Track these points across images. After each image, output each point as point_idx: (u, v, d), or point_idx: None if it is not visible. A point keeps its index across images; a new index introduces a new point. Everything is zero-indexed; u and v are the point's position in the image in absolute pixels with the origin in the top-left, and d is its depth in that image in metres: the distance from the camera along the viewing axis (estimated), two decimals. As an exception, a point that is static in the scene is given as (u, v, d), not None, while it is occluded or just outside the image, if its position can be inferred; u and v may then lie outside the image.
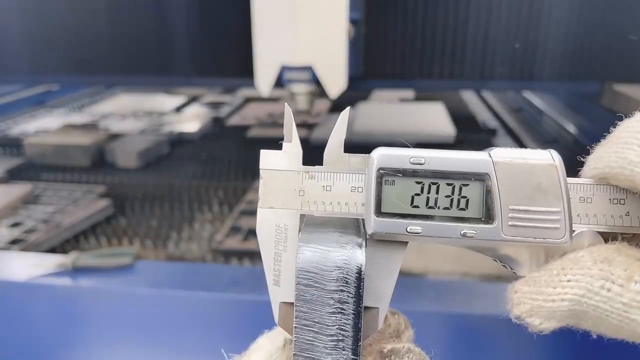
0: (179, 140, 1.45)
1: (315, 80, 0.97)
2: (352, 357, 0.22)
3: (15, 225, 0.90)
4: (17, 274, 0.69)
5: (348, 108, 0.26)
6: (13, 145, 1.40)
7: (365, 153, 0.25)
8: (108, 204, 0.98)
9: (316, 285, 0.22)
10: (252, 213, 0.96)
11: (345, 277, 0.22)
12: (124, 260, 0.70)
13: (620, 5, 1.08)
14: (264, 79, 0.99)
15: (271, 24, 0.95)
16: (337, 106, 1.77)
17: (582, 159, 0.25)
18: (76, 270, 0.69)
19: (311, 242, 0.22)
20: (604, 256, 0.22)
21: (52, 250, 0.85)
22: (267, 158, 0.25)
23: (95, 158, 1.28)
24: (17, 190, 1.01)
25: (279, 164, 0.25)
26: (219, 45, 1.18)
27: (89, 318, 0.68)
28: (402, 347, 0.24)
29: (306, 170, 0.25)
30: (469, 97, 2.01)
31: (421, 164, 0.23)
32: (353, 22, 1.01)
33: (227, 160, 1.29)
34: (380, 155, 0.24)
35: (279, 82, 0.99)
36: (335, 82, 0.97)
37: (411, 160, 0.23)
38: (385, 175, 0.23)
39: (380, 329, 0.27)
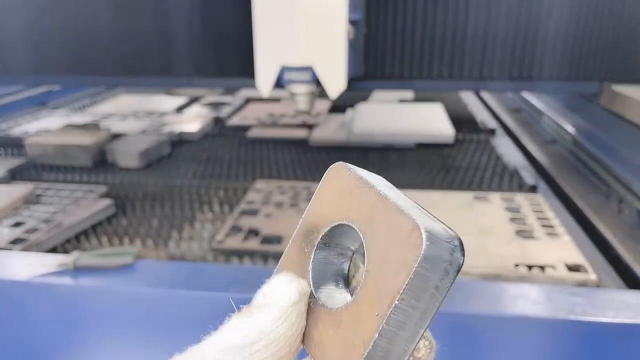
0: (180, 141, 1.46)
1: (315, 80, 0.97)
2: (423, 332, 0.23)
3: (17, 225, 0.90)
4: (18, 273, 0.69)
5: None
6: (14, 145, 1.40)
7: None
8: (109, 203, 0.99)
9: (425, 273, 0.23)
10: (252, 213, 0.96)
11: (447, 269, 0.22)
12: (125, 259, 0.70)
13: (620, 5, 1.08)
14: (264, 80, 0.99)
15: (271, 24, 0.95)
16: (337, 106, 1.77)
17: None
18: (77, 270, 0.69)
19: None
20: None
21: (54, 249, 0.85)
22: None
23: (96, 158, 1.28)
24: (19, 190, 1.02)
25: None
26: (220, 46, 1.18)
27: (90, 317, 0.68)
28: None
29: None
30: (468, 98, 2.01)
31: None
32: (353, 22, 1.01)
33: (227, 160, 1.30)
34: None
35: (279, 83, 1.00)
36: (335, 82, 0.97)
37: None
38: None
39: None
